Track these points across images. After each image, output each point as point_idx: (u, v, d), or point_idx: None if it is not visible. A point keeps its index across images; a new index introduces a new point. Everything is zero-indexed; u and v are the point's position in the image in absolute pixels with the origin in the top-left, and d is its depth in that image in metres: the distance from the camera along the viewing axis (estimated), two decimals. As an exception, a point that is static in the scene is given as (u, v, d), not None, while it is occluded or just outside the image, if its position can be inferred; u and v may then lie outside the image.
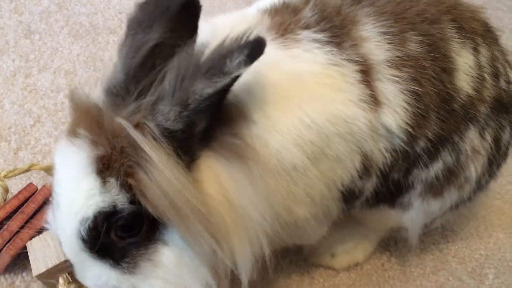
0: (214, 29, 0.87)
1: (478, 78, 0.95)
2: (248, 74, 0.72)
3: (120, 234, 0.79)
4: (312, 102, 0.83)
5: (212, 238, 0.77)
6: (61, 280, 1.05)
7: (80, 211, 0.77)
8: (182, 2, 0.79)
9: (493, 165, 1.07)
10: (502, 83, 1.00)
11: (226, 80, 0.70)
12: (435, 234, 1.38)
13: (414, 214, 1.07)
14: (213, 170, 0.78)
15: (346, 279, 1.26)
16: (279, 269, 1.25)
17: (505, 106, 1.01)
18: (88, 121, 0.77)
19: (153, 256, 0.80)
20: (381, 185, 0.97)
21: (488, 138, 1.00)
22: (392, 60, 0.87)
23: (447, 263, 1.32)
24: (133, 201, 0.75)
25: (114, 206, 0.75)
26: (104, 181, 0.75)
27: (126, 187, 0.74)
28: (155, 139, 0.72)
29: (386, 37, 0.88)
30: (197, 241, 0.77)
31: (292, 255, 1.28)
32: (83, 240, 0.79)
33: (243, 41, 0.70)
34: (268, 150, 0.81)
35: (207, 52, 0.73)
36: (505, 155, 1.10)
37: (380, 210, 1.08)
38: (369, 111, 0.86)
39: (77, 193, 0.77)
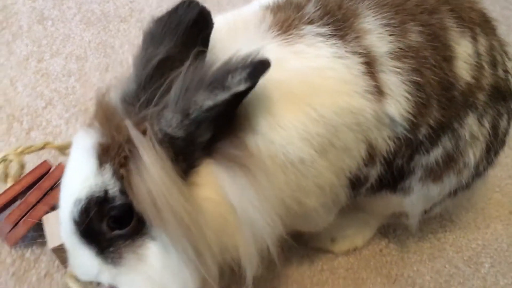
0: None
1: (477, 66, 0.98)
2: None
3: (111, 224, 0.82)
4: (318, 96, 0.85)
5: (191, 246, 0.79)
6: (73, 254, 1.08)
7: (75, 192, 0.81)
8: (193, 18, 0.83)
9: (491, 151, 1.09)
10: (500, 72, 1.03)
11: (225, 94, 0.73)
12: (434, 224, 1.40)
13: (414, 198, 1.09)
14: (214, 175, 0.81)
15: (344, 263, 1.29)
16: (279, 251, 1.29)
17: (503, 94, 1.04)
18: (102, 116, 0.83)
19: (138, 249, 0.83)
20: (385, 171, 1.00)
21: (487, 124, 1.03)
22: (394, 52, 0.89)
23: (444, 251, 1.35)
24: (124, 191, 0.78)
25: (106, 192, 0.79)
26: (100, 165, 0.79)
27: (118, 176, 0.78)
28: (153, 141, 0.76)
29: (388, 28, 0.90)
30: (175, 245, 0.80)
31: (292, 239, 1.31)
32: (75, 222, 0.82)
33: (248, 60, 0.73)
34: (274, 147, 0.83)
35: (214, 67, 0.76)
36: (502, 142, 1.13)
37: (382, 196, 1.10)
38: (374, 102, 0.88)
39: (77, 173, 0.82)
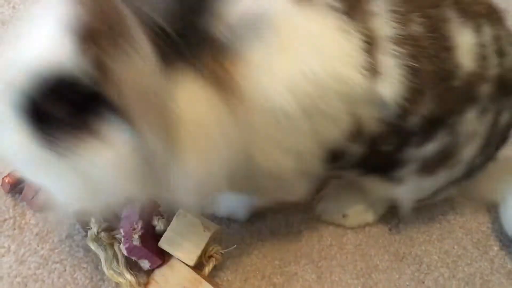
0: None
1: (480, 57, 0.97)
2: (257, 15, 0.76)
3: (69, 109, 0.71)
4: (316, 56, 0.86)
5: (169, 146, 0.75)
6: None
7: (41, 64, 0.67)
8: None
9: (490, 146, 1.09)
10: (506, 64, 1.01)
11: None
12: (444, 206, 1.41)
13: (405, 189, 1.12)
14: (194, 92, 0.76)
15: (353, 239, 1.33)
16: (290, 224, 1.34)
17: (507, 87, 1.02)
18: None
19: (101, 136, 0.73)
20: (373, 156, 1.01)
21: (488, 118, 1.03)
22: (395, 37, 0.90)
23: (454, 233, 1.37)
24: (100, 81, 0.68)
25: (78, 78, 0.67)
26: (81, 47, 0.67)
27: (101, 65, 0.67)
28: (146, 31, 0.69)
29: (393, 15, 0.92)
30: (150, 142, 0.73)
31: (304, 213, 1.35)
32: (25, 96, 0.69)
33: None
34: (258, 88, 0.82)
35: None
36: (503, 137, 1.13)
37: (372, 180, 1.13)
38: (367, 78, 0.89)
39: (47, 43, 0.68)
